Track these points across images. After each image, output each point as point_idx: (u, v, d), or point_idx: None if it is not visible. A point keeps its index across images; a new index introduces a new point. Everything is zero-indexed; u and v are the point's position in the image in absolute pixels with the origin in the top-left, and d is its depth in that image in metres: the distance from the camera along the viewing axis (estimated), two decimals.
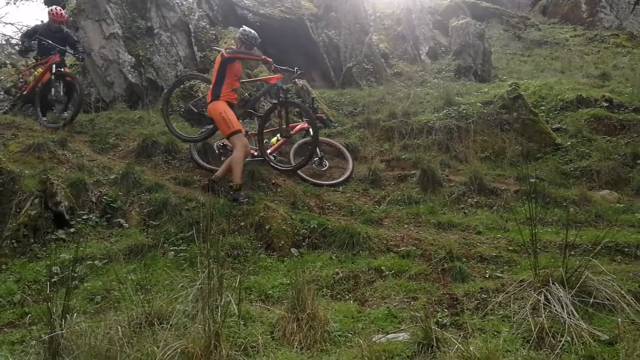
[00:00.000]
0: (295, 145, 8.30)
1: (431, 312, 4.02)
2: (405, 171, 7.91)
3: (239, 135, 6.76)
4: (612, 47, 15.13)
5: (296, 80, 10.82)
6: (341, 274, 4.95)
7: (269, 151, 8.09)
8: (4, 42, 17.50)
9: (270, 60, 7.16)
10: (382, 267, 5.08)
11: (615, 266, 4.80)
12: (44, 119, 8.65)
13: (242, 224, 6.09)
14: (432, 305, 4.26)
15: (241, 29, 7.43)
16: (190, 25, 11.65)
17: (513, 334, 3.53)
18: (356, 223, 6.21)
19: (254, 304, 4.36)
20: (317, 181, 7.78)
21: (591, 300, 3.57)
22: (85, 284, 4.83)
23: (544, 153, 8.27)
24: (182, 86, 9.19)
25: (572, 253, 4.15)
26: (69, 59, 10.42)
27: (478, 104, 9.40)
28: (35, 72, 9.23)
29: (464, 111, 9.27)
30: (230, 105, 6.94)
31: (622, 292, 3.57)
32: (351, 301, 4.52)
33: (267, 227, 5.87)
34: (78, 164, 7.30)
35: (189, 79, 9.06)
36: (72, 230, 5.97)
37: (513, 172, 7.75)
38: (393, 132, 9.17)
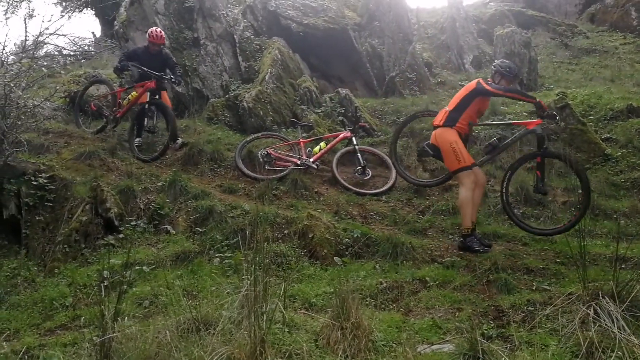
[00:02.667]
0: (338, 154, 8.34)
1: (476, 323, 3.97)
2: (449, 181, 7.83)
3: (469, 172, 5.87)
4: None
5: (339, 89, 10.91)
6: (385, 284, 4.94)
7: (312, 159, 8.18)
8: (56, 53, 18.15)
9: (543, 104, 6.02)
10: (426, 278, 5.04)
11: None
12: (137, 150, 8.40)
13: (286, 232, 6.15)
14: (478, 316, 4.21)
15: (499, 61, 6.49)
16: (235, 36, 11.87)
17: (561, 347, 3.46)
18: (400, 233, 6.20)
19: (298, 311, 4.39)
20: (360, 190, 7.80)
21: None
22: (134, 289, 4.94)
23: (593, 164, 8.06)
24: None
25: (623, 266, 4.04)
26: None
27: (524, 113, 9.24)
28: (130, 96, 9.01)
29: (510, 120, 9.11)
30: (459, 135, 6.02)
31: None
32: (395, 311, 4.51)
33: (310, 236, 5.90)
34: (127, 172, 7.53)
35: (424, 115, 7.74)
36: (121, 236, 6.14)
37: (561, 183, 7.57)
38: None
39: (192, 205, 6.76)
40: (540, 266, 5.30)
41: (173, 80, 8.90)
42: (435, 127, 6.14)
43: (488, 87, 5.90)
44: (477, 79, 6.12)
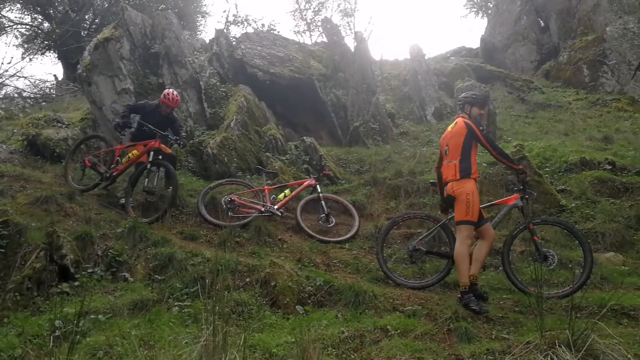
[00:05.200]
0: (302, 202, 8.39)
1: None
2: (411, 229, 7.92)
3: (471, 227, 5.75)
4: (614, 111, 15.38)
5: (305, 138, 11.06)
6: (347, 333, 4.90)
7: (276, 207, 8.18)
8: (15, 95, 17.95)
9: (527, 171, 6.16)
10: (387, 327, 5.02)
11: (621, 330, 4.75)
12: (132, 213, 7.83)
13: (247, 280, 6.08)
14: None
15: (463, 93, 6.45)
16: (201, 82, 12.00)
17: None
18: (362, 281, 6.20)
19: None
20: (324, 238, 7.82)
21: None
22: (88, 339, 4.78)
23: (549, 214, 8.28)
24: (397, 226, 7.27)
25: (578, 315, 4.12)
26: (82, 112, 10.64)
27: (484, 164, 9.50)
28: (130, 154, 8.47)
29: (490, 202, 9.35)
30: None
31: (629, 356, 3.52)
32: None
33: (272, 284, 5.84)
34: (85, 217, 7.38)
35: (403, 220, 7.08)
36: (76, 283, 5.98)
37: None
38: (399, 190, 9.28)
39: (151, 252, 6.66)
40: (500, 315, 5.36)
41: (178, 142, 8.55)
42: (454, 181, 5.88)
43: (477, 132, 5.81)
44: (458, 119, 6.03)
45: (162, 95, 8.63)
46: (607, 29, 17.68)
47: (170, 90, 8.87)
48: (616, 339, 3.70)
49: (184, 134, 8.86)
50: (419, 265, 6.72)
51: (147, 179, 8.12)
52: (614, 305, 5.16)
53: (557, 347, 3.62)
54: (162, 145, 8.32)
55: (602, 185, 8.97)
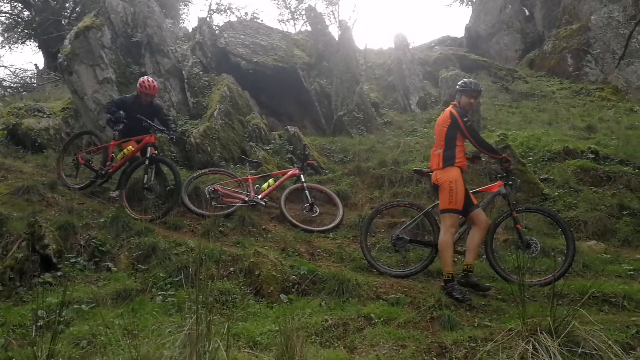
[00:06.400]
0: (286, 191, 8.37)
1: None
2: (395, 219, 7.95)
3: (455, 215, 5.78)
4: (598, 101, 15.51)
5: (288, 127, 11.02)
6: (330, 321, 4.91)
7: (260, 196, 8.16)
8: None
9: (510, 159, 6.19)
10: (371, 315, 5.05)
11: (602, 316, 4.81)
12: (131, 211, 7.53)
13: (231, 269, 6.07)
14: (421, 353, 4.23)
15: (460, 81, 6.40)
16: (183, 72, 11.88)
17: None
18: (346, 270, 6.21)
19: (242, 350, 4.30)
20: (308, 227, 7.81)
21: (579, 350, 3.57)
22: (72, 329, 4.75)
23: (532, 203, 8.35)
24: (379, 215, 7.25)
25: (560, 303, 4.18)
26: (63, 102, 10.48)
27: (466, 152, 9.53)
28: (125, 150, 8.20)
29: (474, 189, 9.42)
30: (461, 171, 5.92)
31: (609, 342, 3.57)
32: (340, 348, 4.48)
33: (256, 273, 5.84)
34: (67, 207, 7.29)
35: (394, 207, 7.20)
36: (59, 273, 5.93)
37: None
38: (383, 179, 9.29)
39: (134, 242, 6.62)
40: (482, 303, 5.41)
41: (168, 134, 8.27)
42: (438, 169, 5.96)
43: (460, 123, 5.88)
44: (449, 108, 6.11)
45: (138, 85, 8.31)
46: (592, 17, 17.76)
47: (146, 77, 8.56)
48: (597, 325, 3.74)
49: (173, 125, 8.57)
50: (402, 254, 6.76)
51: (146, 176, 7.79)
52: (595, 292, 5.25)
53: (539, 333, 3.65)
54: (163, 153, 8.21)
55: (585, 174, 9.05)
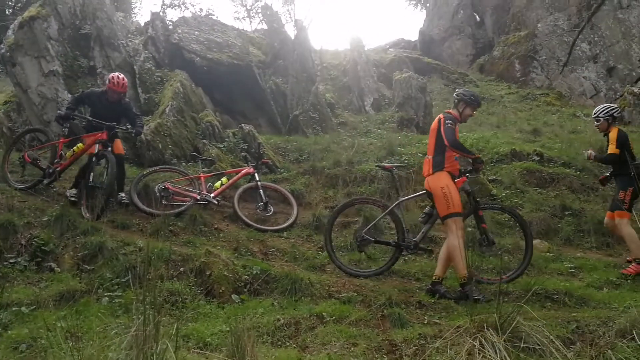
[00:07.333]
0: (240, 190, 8.29)
1: (370, 358, 4.02)
2: (348, 218, 7.99)
3: (458, 218, 5.66)
4: (543, 105, 16.09)
5: (243, 125, 10.92)
6: (282, 321, 4.89)
7: (212, 195, 8.05)
8: None
9: (482, 159, 6.12)
10: (323, 313, 5.05)
11: (545, 312, 4.97)
12: (85, 212, 7.26)
13: (181, 269, 5.96)
14: (372, 351, 4.26)
15: (462, 90, 6.27)
16: (135, 67, 11.61)
17: None
18: (299, 269, 6.21)
19: (191, 351, 4.23)
20: (261, 226, 7.77)
21: (522, 345, 3.67)
22: (10, 332, 4.56)
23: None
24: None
25: (506, 300, 4.28)
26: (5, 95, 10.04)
27: (419, 154, 9.70)
28: (75, 147, 7.88)
29: (406, 161, 9.56)
30: (452, 177, 5.84)
31: (551, 337, 3.68)
32: (292, 348, 4.46)
33: (208, 273, 5.75)
34: (7, 205, 7.02)
35: (361, 203, 7.27)
36: None
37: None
38: (337, 179, 9.35)
39: (80, 241, 6.43)
40: (432, 301, 5.49)
41: (130, 130, 7.87)
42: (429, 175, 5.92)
43: (442, 125, 5.77)
44: (439, 116, 5.95)
45: (107, 81, 7.94)
46: (539, 25, 18.36)
47: (116, 74, 8.05)
48: (540, 321, 3.86)
49: (139, 122, 8.17)
50: (367, 254, 6.76)
51: (92, 174, 7.43)
52: (539, 289, 5.41)
53: (486, 330, 3.73)
54: (117, 145, 7.85)
55: (531, 175, 9.36)
